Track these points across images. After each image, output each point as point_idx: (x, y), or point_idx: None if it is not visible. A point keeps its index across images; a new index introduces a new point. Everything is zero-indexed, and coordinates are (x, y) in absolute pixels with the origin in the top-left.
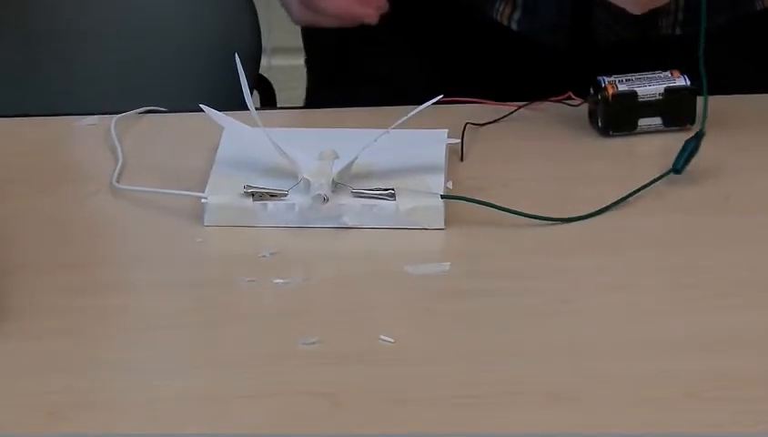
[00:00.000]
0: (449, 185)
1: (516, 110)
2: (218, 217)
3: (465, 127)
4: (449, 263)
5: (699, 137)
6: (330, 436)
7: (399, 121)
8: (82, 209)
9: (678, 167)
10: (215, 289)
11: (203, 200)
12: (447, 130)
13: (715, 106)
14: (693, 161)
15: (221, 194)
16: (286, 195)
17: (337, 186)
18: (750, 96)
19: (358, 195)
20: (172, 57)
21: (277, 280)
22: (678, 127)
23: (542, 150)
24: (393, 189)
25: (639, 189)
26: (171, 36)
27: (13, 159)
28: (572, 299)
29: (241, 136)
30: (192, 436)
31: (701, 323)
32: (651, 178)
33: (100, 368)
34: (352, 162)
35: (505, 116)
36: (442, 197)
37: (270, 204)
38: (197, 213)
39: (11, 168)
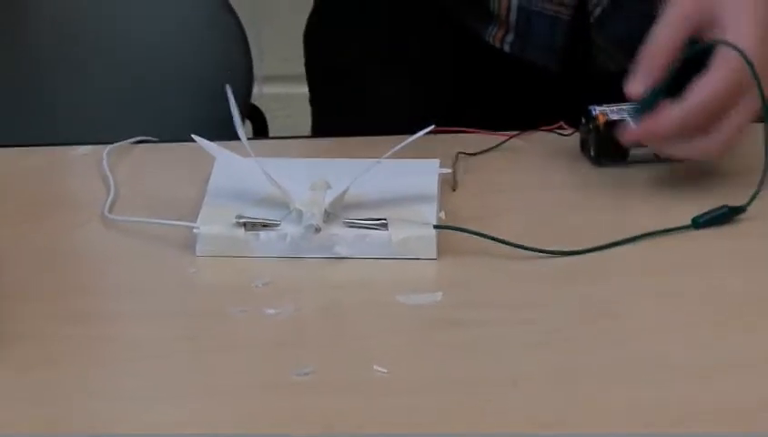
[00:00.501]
0: (442, 215)
1: (507, 140)
2: (211, 247)
3: (457, 157)
4: (441, 293)
5: (736, 211)
6: None
7: (391, 151)
8: (73, 239)
9: (699, 223)
10: (207, 320)
11: (195, 230)
12: (438, 160)
13: None
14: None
15: (213, 224)
16: (278, 225)
17: (329, 216)
18: None
19: (351, 225)
20: (164, 87)
21: (270, 311)
22: (670, 158)
23: (534, 180)
24: (385, 219)
25: (649, 234)
26: (163, 66)
27: (4, 187)
28: (564, 329)
29: (233, 166)
30: None
31: (695, 351)
32: (666, 227)
33: (89, 397)
34: (344, 192)
35: (497, 146)
36: (435, 227)
37: (262, 234)
38: (189, 243)
39: (2, 196)
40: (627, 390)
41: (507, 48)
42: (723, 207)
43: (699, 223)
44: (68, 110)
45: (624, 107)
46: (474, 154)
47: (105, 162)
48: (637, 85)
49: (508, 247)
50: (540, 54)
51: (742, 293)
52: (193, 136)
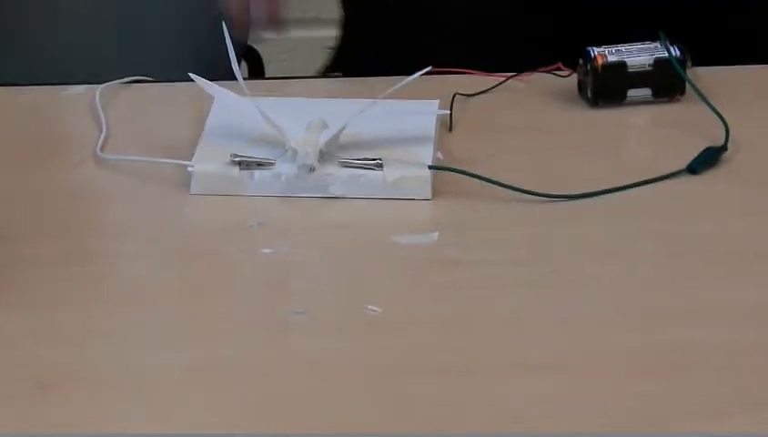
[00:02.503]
0: (439, 155)
1: (505, 81)
2: (205, 185)
3: (454, 98)
4: (437, 233)
5: (721, 150)
6: (319, 406)
7: (387, 92)
8: (67, 180)
9: (694, 167)
10: (202, 259)
11: (189, 169)
12: (438, 101)
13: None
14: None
15: (208, 162)
16: (273, 164)
17: (324, 155)
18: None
19: (346, 165)
20: (158, 27)
21: (265, 250)
22: (668, 99)
23: (531, 121)
24: (381, 159)
25: (647, 182)
26: (157, 5)
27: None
28: (562, 269)
29: (231, 105)
30: (179, 407)
31: (695, 293)
32: (663, 173)
33: (87, 339)
34: (340, 132)
35: (494, 87)
36: (430, 167)
37: (257, 173)
38: (185, 182)
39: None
40: (627, 331)
41: None
42: (708, 149)
43: (694, 168)
44: (61, 51)
45: (622, 48)
46: (471, 95)
47: (97, 102)
48: None
49: (503, 188)
50: None
51: (738, 237)
52: (191, 75)
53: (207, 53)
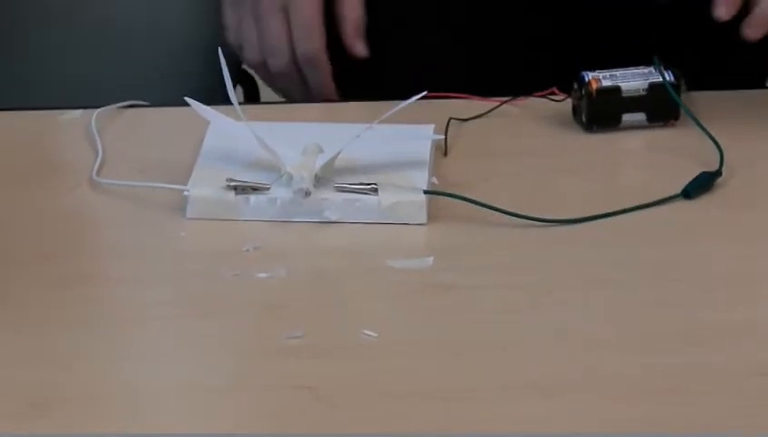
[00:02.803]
0: (434, 180)
1: (499, 106)
2: (201, 210)
3: (449, 123)
4: (432, 258)
5: (715, 175)
6: (313, 431)
7: (383, 116)
8: (62, 204)
9: (689, 191)
10: (198, 283)
11: (185, 193)
12: (433, 126)
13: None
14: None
15: (204, 187)
16: (268, 189)
17: (320, 180)
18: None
19: (341, 189)
20: (154, 52)
21: (261, 275)
22: (662, 123)
23: (526, 146)
24: (376, 184)
25: (641, 207)
26: (153, 31)
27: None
28: (556, 293)
29: (226, 129)
30: (171, 430)
31: (687, 318)
32: (658, 198)
33: (81, 360)
34: (336, 156)
35: (489, 112)
36: (425, 192)
37: (253, 197)
38: (180, 207)
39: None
40: (621, 354)
41: None
42: (702, 173)
43: (689, 192)
44: (57, 75)
45: (617, 73)
46: (465, 119)
47: (93, 126)
48: None
49: (498, 213)
50: None
51: (733, 261)
52: (186, 99)
53: (203, 78)
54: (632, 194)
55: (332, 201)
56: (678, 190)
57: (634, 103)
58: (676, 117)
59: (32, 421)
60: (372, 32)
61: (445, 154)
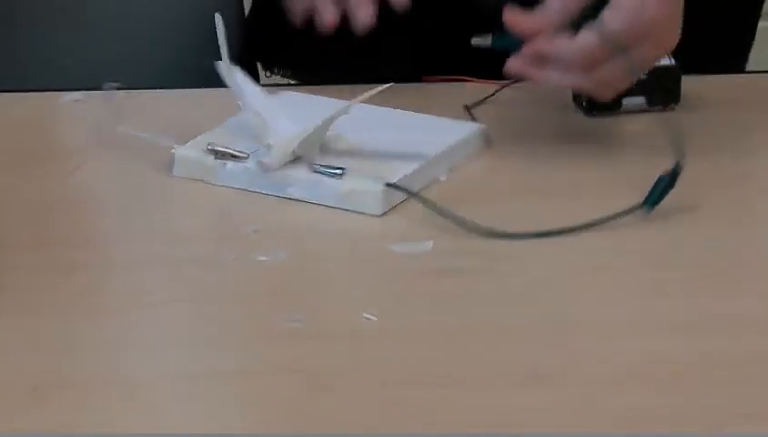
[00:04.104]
0: (442, 177)
1: (500, 90)
2: (184, 169)
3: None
4: (431, 242)
5: (675, 173)
6: (313, 415)
7: (357, 100)
8: (62, 186)
9: (650, 204)
10: (198, 267)
11: (171, 151)
12: (482, 127)
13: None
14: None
15: (191, 148)
16: (246, 157)
17: (300, 157)
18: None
19: (313, 169)
20: (155, 34)
21: (261, 258)
22: (662, 107)
23: (526, 130)
24: (344, 169)
25: (604, 220)
26: (155, 12)
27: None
28: (556, 279)
29: (253, 97)
30: (172, 413)
31: (683, 305)
32: (619, 210)
33: (81, 344)
34: (313, 134)
35: (490, 96)
36: (387, 185)
37: (229, 164)
38: (185, 193)
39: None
40: (619, 340)
41: None
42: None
43: (650, 206)
44: (58, 56)
45: None
46: (473, 105)
47: (95, 108)
48: (527, 21)
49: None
50: None
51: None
52: (217, 63)
53: (207, 59)
54: (633, 177)
55: (297, 179)
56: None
57: (634, 87)
58: (676, 101)
59: (33, 406)
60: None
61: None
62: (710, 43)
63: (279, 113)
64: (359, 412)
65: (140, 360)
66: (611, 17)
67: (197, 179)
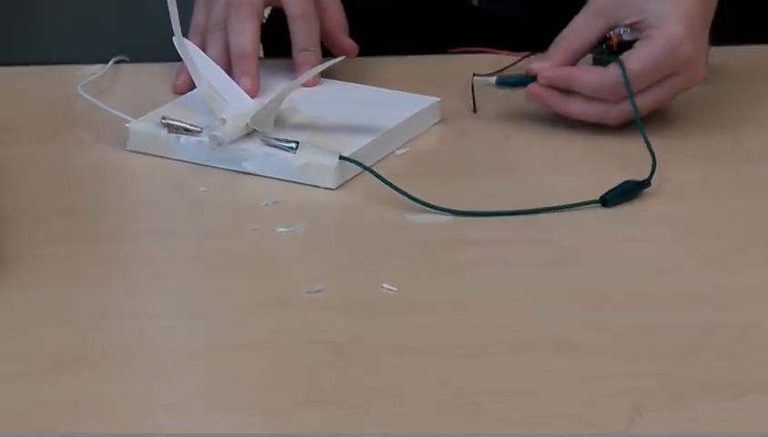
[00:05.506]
0: (399, 152)
1: (520, 60)
2: (138, 144)
3: (473, 80)
4: (451, 214)
5: (643, 185)
6: (332, 384)
7: (315, 70)
8: (82, 158)
9: (607, 200)
10: (218, 238)
11: (126, 125)
12: (437, 100)
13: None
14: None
15: (145, 122)
16: (200, 131)
17: (254, 131)
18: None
19: (267, 143)
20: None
21: (281, 229)
22: None
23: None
24: (297, 142)
25: (559, 208)
26: None
27: (12, 107)
28: (578, 249)
29: (209, 70)
30: (193, 385)
31: (712, 278)
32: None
33: (103, 317)
34: (267, 107)
35: (510, 66)
36: (340, 158)
37: (183, 138)
38: (203, 166)
39: (10, 116)
40: (641, 311)
41: (475, 2)
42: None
43: (606, 202)
44: (69, 29)
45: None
46: (488, 75)
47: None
48: (542, 64)
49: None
50: (508, 7)
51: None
52: (175, 39)
53: None
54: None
55: (251, 153)
56: None
57: None
58: None
59: (53, 378)
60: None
61: (474, 111)
62: (738, 15)
63: (234, 87)
64: (378, 382)
65: (161, 330)
66: (644, 53)
67: (151, 154)
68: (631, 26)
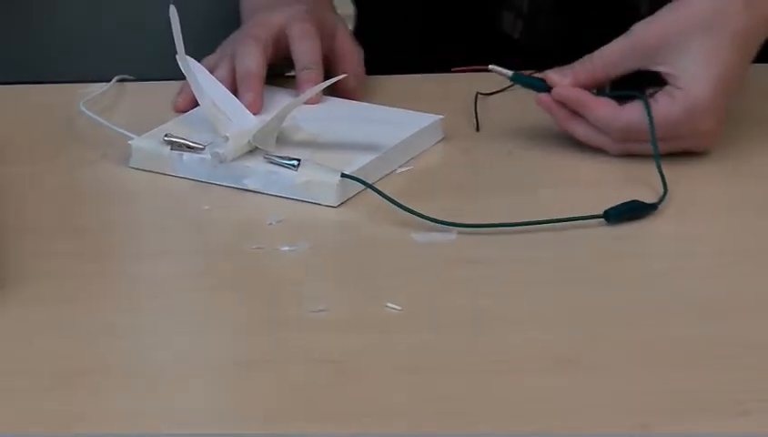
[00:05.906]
0: (402, 169)
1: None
2: (141, 161)
3: (477, 97)
4: (455, 232)
5: (650, 207)
6: (337, 404)
7: (317, 88)
8: (85, 176)
9: (610, 216)
10: (221, 256)
11: (129, 142)
12: (439, 117)
13: None
14: None
15: (148, 139)
16: (203, 149)
17: (256, 148)
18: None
19: (269, 160)
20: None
21: (285, 248)
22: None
23: (544, 119)
24: (299, 160)
25: (566, 219)
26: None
27: (15, 125)
28: (581, 266)
29: (211, 86)
30: (194, 403)
31: (713, 289)
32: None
33: (105, 334)
34: (269, 125)
35: (510, 86)
36: (342, 175)
37: (186, 155)
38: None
39: (14, 134)
40: (643, 326)
41: (516, 35)
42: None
43: (609, 219)
44: (75, 46)
45: None
46: (489, 94)
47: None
48: (561, 77)
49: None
50: (546, 39)
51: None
52: (178, 56)
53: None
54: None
55: (253, 170)
56: None
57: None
58: None
59: (55, 393)
60: (385, 26)
61: (477, 129)
62: None
63: (237, 105)
64: (383, 401)
65: (164, 348)
66: (662, 112)
67: (153, 171)
68: (661, 75)
